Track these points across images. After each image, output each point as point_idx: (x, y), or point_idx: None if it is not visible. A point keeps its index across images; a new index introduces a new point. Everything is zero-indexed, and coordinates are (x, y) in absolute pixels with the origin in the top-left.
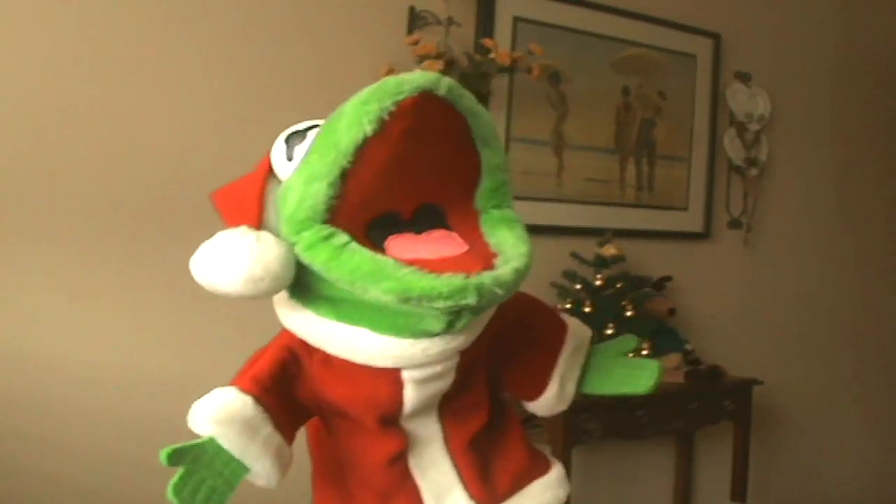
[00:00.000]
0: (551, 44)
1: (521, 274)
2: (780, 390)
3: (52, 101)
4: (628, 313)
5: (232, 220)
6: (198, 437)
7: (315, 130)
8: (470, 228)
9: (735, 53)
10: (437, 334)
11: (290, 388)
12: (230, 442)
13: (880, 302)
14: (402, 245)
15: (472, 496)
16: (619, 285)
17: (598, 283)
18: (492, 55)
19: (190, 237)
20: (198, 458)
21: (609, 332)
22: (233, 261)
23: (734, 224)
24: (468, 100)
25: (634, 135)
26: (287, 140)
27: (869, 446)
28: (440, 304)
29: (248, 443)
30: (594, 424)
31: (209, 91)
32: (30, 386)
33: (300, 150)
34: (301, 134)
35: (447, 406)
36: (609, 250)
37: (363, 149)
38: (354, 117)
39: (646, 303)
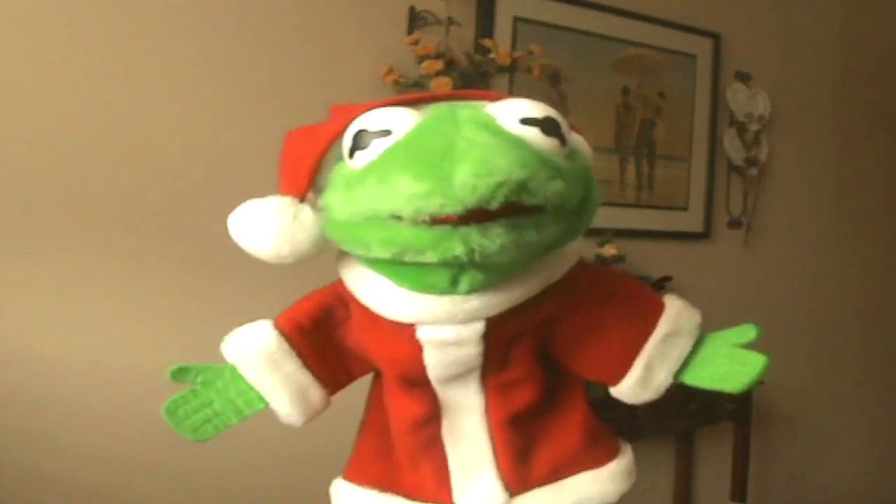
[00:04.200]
0: (551, 44)
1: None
2: (780, 390)
3: (53, 102)
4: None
5: (284, 185)
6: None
7: (382, 141)
8: None
9: (735, 53)
10: (444, 292)
11: (335, 333)
12: (248, 371)
13: (881, 302)
14: None
15: (501, 476)
16: None
17: None
18: (492, 55)
19: (191, 237)
20: (211, 380)
21: None
22: (264, 233)
23: (734, 224)
24: (538, 189)
25: (634, 135)
26: (356, 136)
27: (869, 447)
28: (429, 255)
29: (267, 376)
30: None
31: (208, 91)
32: (30, 386)
33: (362, 156)
34: (370, 135)
35: (491, 378)
36: (609, 250)
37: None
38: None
39: None
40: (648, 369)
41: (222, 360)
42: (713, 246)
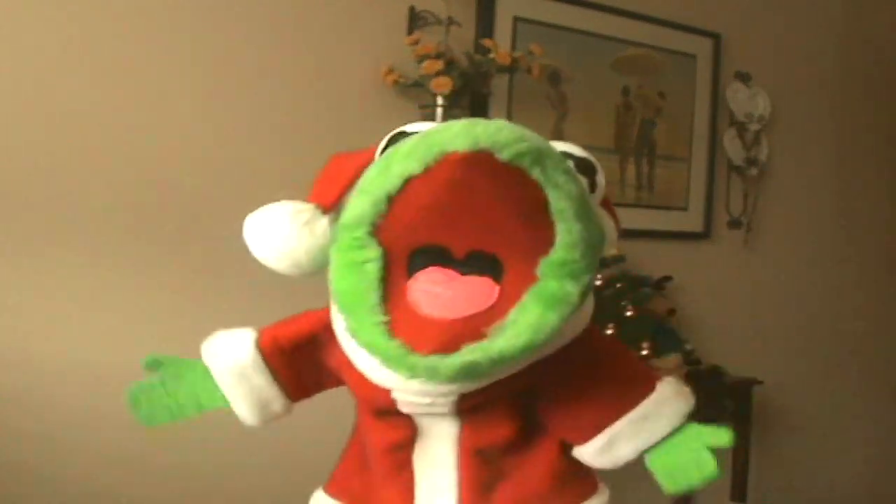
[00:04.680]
0: (551, 44)
1: (484, 362)
2: (780, 390)
3: (56, 103)
4: (628, 313)
5: (314, 192)
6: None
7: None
8: (519, 290)
9: (735, 53)
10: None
11: (317, 355)
12: (219, 376)
13: (880, 301)
14: (431, 277)
15: None
16: (618, 285)
17: (597, 283)
18: (492, 55)
19: (191, 239)
20: (181, 374)
21: (609, 331)
22: (269, 236)
23: (734, 224)
24: (550, 170)
25: (634, 135)
26: (391, 139)
27: (869, 446)
28: (394, 369)
29: (234, 384)
30: None
31: (209, 91)
32: (30, 386)
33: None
34: (405, 136)
35: (468, 411)
36: (609, 250)
37: (409, 182)
38: (410, 150)
39: (646, 303)
40: (611, 443)
41: None
42: (713, 246)
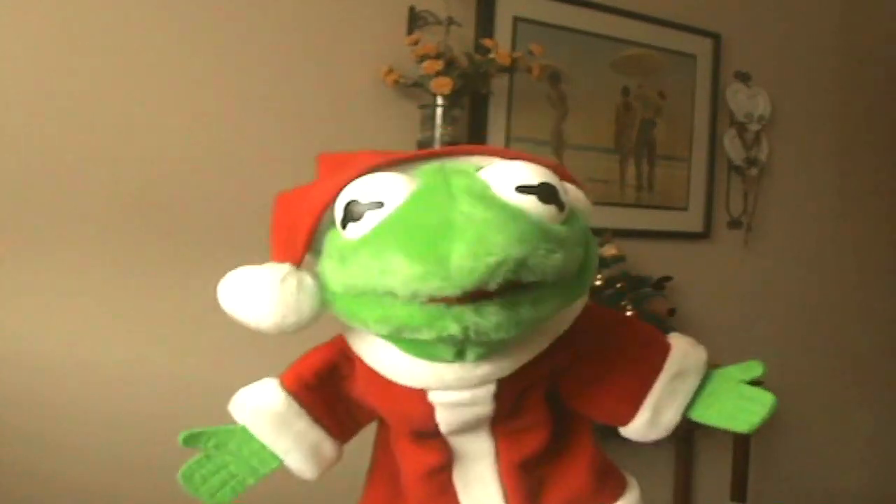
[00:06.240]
0: (551, 44)
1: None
2: (781, 390)
3: (57, 103)
4: (628, 313)
5: (278, 252)
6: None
7: (375, 213)
8: None
9: (735, 53)
10: (452, 361)
11: (341, 386)
12: (260, 432)
13: (881, 302)
14: None
15: None
16: (618, 285)
17: (597, 283)
18: (492, 55)
19: (191, 239)
20: (223, 443)
21: None
22: (266, 304)
23: (734, 224)
24: (537, 269)
25: (634, 135)
26: (347, 207)
27: (869, 446)
28: (424, 333)
29: (279, 436)
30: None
31: (208, 91)
32: (30, 386)
33: (355, 228)
34: (362, 206)
35: (501, 426)
36: (609, 250)
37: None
38: (403, 294)
39: (645, 303)
40: (657, 410)
41: (222, 361)
42: (713, 246)
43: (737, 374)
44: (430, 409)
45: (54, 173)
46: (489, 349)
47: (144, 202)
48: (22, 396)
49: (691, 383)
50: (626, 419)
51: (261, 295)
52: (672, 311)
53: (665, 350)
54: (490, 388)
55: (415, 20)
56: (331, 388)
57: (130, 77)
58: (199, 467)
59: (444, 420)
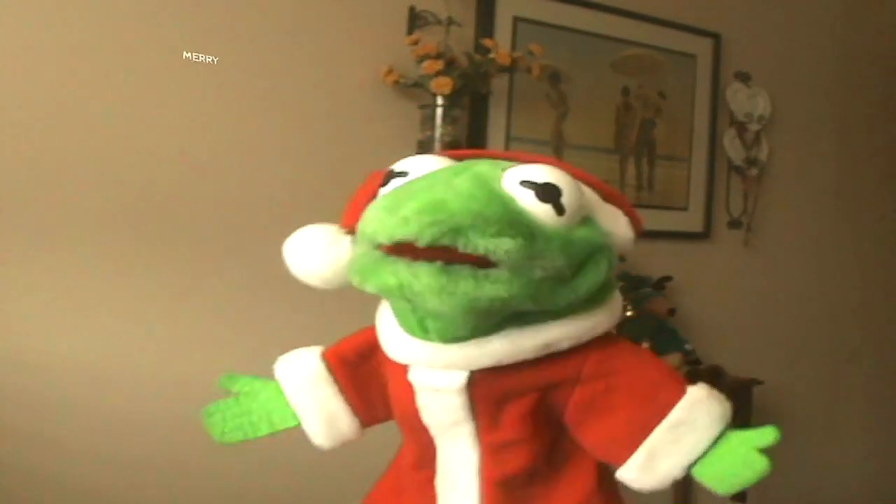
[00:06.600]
0: (551, 44)
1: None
2: (780, 390)
3: (58, 104)
4: (628, 313)
5: (343, 217)
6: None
7: (398, 181)
8: None
9: (735, 53)
10: (424, 338)
11: (378, 370)
12: (288, 389)
13: (880, 302)
14: None
15: None
16: (618, 285)
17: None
18: (492, 55)
19: (191, 239)
20: (255, 391)
21: None
22: (300, 254)
23: (734, 224)
24: (476, 240)
25: (634, 135)
26: (386, 175)
27: (869, 446)
28: (369, 283)
29: (302, 395)
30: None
31: (208, 92)
32: (30, 386)
33: (383, 192)
34: (393, 175)
35: (485, 436)
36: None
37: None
38: (358, 239)
39: (646, 303)
40: (652, 455)
41: (222, 360)
42: (713, 246)
43: (753, 439)
44: (411, 390)
45: (54, 173)
46: (448, 327)
47: (145, 202)
48: (22, 396)
49: (699, 437)
50: (620, 459)
51: (309, 251)
52: (672, 311)
53: (677, 395)
54: (460, 377)
55: (415, 20)
56: (368, 367)
57: (131, 76)
58: (225, 408)
59: (423, 405)
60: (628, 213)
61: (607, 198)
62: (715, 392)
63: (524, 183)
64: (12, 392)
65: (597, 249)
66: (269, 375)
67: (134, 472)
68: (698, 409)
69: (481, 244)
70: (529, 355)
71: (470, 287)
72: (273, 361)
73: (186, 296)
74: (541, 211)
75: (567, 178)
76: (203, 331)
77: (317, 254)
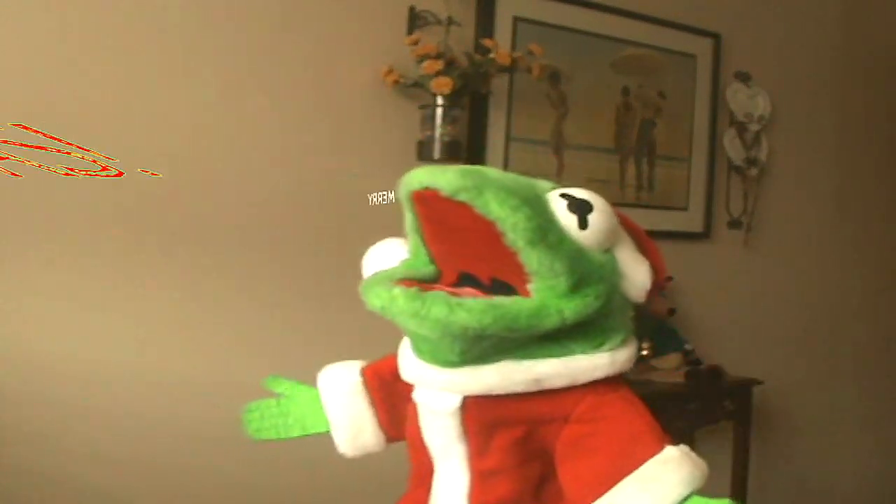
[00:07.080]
0: (551, 44)
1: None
2: (780, 390)
3: (56, 103)
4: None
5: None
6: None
7: None
8: None
9: (735, 53)
10: (427, 360)
11: (409, 387)
12: (324, 395)
13: (880, 301)
14: (458, 289)
15: None
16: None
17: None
18: (492, 55)
19: (192, 239)
20: (296, 396)
21: None
22: (366, 261)
23: (734, 224)
24: (492, 204)
25: (634, 135)
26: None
27: (869, 446)
28: (369, 300)
29: (335, 405)
30: None
31: (208, 92)
32: (30, 386)
33: None
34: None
35: (475, 461)
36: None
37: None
38: (401, 191)
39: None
40: None
41: (221, 361)
42: (713, 246)
43: None
44: (415, 410)
45: (54, 173)
46: (436, 351)
47: (145, 203)
48: (22, 396)
49: (662, 495)
50: (584, 502)
51: (371, 261)
52: (672, 311)
53: (652, 451)
54: (454, 401)
55: (415, 20)
56: (402, 386)
57: (131, 76)
58: (265, 407)
59: (424, 426)
60: (654, 265)
61: (640, 247)
62: (692, 456)
63: (564, 195)
64: (12, 392)
65: (599, 279)
66: (267, 375)
67: (134, 472)
68: (668, 468)
69: (495, 210)
70: (520, 388)
71: (442, 313)
72: (273, 361)
73: (186, 296)
74: (566, 219)
75: (605, 204)
76: (203, 331)
77: (366, 266)
